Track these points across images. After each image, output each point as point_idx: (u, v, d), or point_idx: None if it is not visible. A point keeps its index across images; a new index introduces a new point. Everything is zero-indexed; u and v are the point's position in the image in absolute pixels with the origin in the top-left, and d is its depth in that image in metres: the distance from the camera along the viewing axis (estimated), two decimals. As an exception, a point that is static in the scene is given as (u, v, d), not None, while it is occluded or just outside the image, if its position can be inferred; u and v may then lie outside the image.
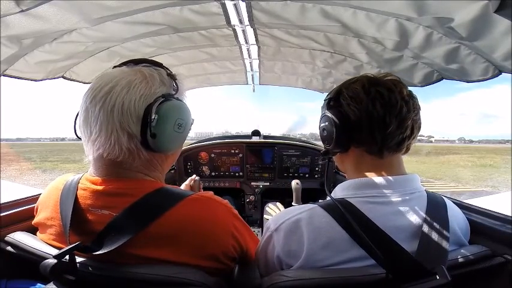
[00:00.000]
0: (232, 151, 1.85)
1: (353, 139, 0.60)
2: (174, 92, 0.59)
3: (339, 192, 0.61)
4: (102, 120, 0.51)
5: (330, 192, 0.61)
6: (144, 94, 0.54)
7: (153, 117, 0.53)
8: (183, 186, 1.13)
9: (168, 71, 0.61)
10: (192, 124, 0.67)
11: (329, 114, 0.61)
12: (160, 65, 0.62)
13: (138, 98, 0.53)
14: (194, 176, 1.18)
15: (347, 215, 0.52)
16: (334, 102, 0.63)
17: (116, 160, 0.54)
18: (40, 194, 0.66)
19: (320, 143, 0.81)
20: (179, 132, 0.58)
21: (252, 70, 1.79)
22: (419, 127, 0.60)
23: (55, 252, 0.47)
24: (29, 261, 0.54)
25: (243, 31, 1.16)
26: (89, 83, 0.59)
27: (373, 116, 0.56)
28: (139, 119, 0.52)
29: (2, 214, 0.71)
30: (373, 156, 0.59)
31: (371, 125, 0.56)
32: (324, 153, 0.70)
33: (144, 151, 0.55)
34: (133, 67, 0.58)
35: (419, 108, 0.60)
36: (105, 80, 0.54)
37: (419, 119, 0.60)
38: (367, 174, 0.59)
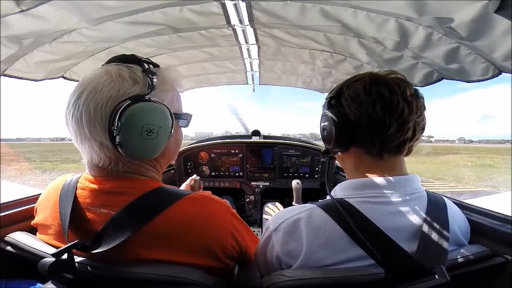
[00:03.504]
0: (232, 151, 1.85)
1: (353, 140, 0.60)
2: (148, 91, 0.52)
3: (338, 192, 0.61)
4: (76, 129, 0.50)
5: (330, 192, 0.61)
6: (112, 97, 0.49)
7: (116, 124, 0.48)
8: (183, 186, 1.13)
9: (145, 67, 0.54)
10: (189, 121, 0.65)
11: (329, 114, 0.61)
12: (135, 61, 0.55)
13: (104, 103, 0.49)
14: (195, 176, 1.18)
15: (345, 215, 0.51)
16: (335, 101, 0.62)
17: (99, 166, 0.54)
18: (40, 194, 0.66)
19: (320, 142, 0.81)
20: (150, 138, 0.51)
21: (252, 70, 1.79)
22: (423, 128, 0.59)
23: (54, 251, 0.47)
24: (28, 261, 0.54)
25: (243, 31, 1.16)
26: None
27: (372, 119, 0.55)
28: (105, 126, 0.49)
29: (2, 214, 0.71)
30: (373, 157, 0.59)
31: (370, 127, 0.56)
32: (324, 152, 0.70)
33: (124, 157, 0.53)
34: (105, 67, 0.54)
35: (423, 109, 0.58)
36: (78, 85, 0.52)
37: (423, 120, 0.58)
38: (367, 174, 0.59)
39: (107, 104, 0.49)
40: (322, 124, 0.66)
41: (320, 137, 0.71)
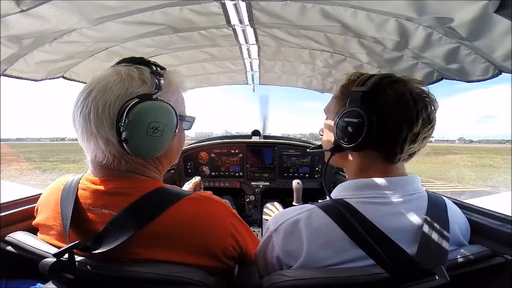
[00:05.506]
0: (232, 151, 1.85)
1: (378, 143, 0.55)
2: (155, 91, 0.54)
3: (338, 192, 0.61)
4: (82, 125, 0.51)
5: (330, 193, 0.61)
6: (120, 96, 0.51)
7: (123, 121, 0.49)
8: (186, 187, 1.12)
9: (153, 69, 0.57)
10: (192, 124, 0.67)
11: (363, 111, 0.54)
12: (144, 62, 0.57)
13: (113, 101, 0.50)
14: (195, 179, 1.17)
15: (347, 215, 0.51)
16: (370, 98, 0.55)
17: (102, 163, 0.54)
18: (40, 194, 0.66)
19: (319, 143, 0.80)
20: (155, 136, 0.52)
21: (252, 70, 1.79)
22: None
23: (55, 251, 0.47)
24: (29, 261, 0.54)
25: (243, 31, 1.16)
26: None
27: (412, 128, 0.53)
28: (113, 123, 0.50)
29: (2, 214, 0.71)
30: (388, 163, 0.58)
31: (406, 135, 0.54)
32: (333, 149, 0.63)
33: (128, 155, 0.54)
34: (115, 68, 0.56)
35: None
36: (88, 83, 0.53)
37: None
38: (369, 175, 0.59)
39: (115, 102, 0.51)
40: (349, 119, 0.57)
41: (337, 130, 0.62)
